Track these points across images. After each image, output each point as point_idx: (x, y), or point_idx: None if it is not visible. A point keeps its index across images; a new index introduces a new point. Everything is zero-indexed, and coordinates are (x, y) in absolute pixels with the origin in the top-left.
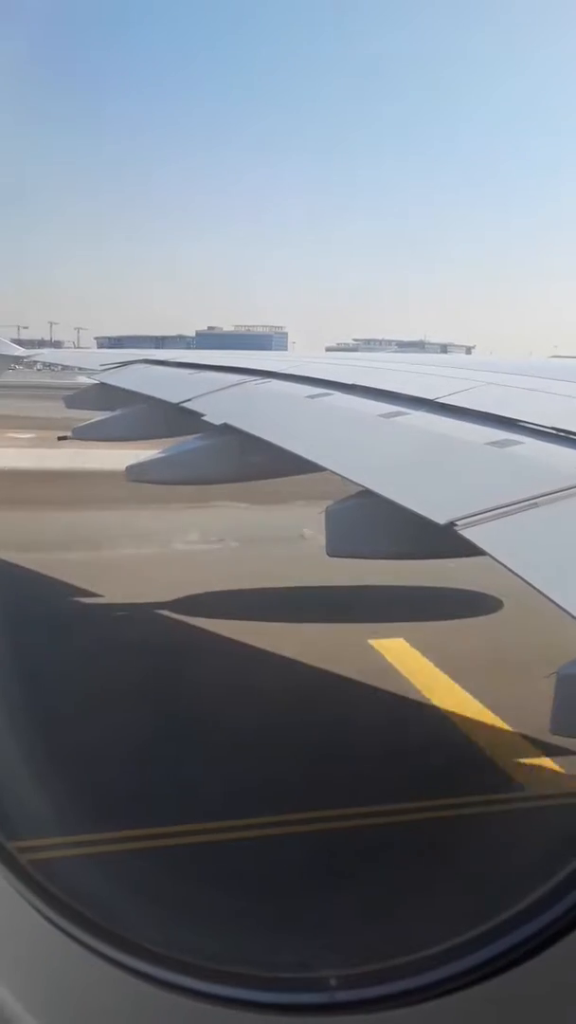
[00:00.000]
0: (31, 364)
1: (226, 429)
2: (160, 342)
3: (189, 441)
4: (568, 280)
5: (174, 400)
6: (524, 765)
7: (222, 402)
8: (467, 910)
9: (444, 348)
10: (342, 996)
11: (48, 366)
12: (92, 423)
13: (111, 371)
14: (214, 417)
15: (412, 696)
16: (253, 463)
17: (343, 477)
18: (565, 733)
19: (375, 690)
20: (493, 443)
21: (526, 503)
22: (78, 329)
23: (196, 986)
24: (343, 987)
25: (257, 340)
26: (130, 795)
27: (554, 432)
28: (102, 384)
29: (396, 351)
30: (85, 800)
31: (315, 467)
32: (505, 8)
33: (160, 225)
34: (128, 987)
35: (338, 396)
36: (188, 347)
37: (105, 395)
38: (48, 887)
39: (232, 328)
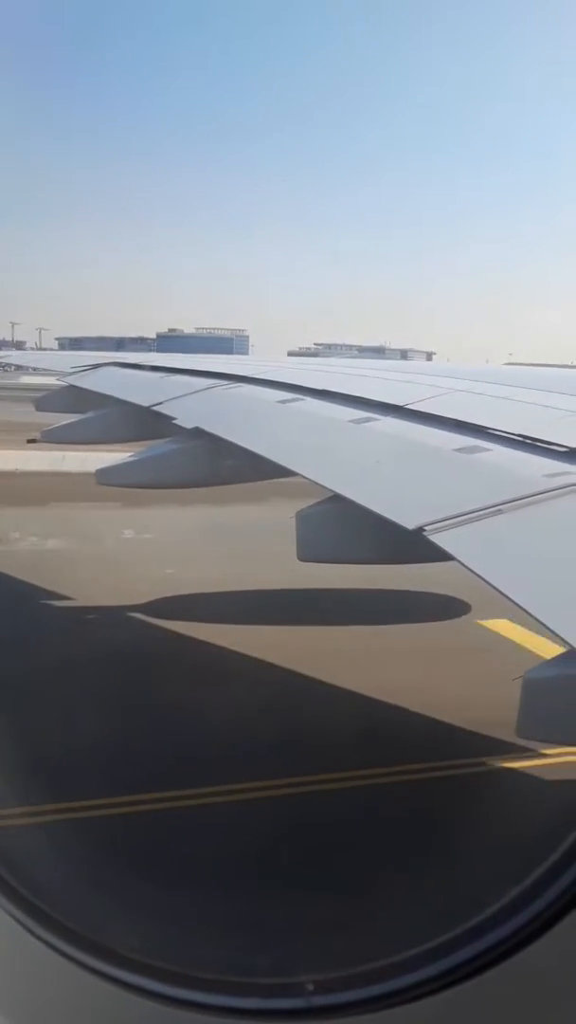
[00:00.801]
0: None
1: (197, 433)
2: (120, 344)
3: (160, 445)
4: (523, 291)
5: (145, 403)
6: None
7: (194, 406)
8: None
9: (404, 354)
10: (319, 1001)
11: (2, 367)
12: (62, 426)
13: (81, 373)
14: (186, 421)
15: None
16: (224, 467)
17: (314, 482)
18: (531, 736)
19: None
20: (461, 449)
21: (492, 509)
22: (40, 330)
23: (174, 993)
24: (319, 992)
25: (219, 343)
26: None
27: (520, 439)
28: (72, 387)
29: (357, 356)
30: None
31: (286, 472)
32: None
33: (122, 227)
34: (96, 991)
35: (309, 401)
36: (149, 349)
37: (75, 398)
38: (20, 891)
39: (194, 331)
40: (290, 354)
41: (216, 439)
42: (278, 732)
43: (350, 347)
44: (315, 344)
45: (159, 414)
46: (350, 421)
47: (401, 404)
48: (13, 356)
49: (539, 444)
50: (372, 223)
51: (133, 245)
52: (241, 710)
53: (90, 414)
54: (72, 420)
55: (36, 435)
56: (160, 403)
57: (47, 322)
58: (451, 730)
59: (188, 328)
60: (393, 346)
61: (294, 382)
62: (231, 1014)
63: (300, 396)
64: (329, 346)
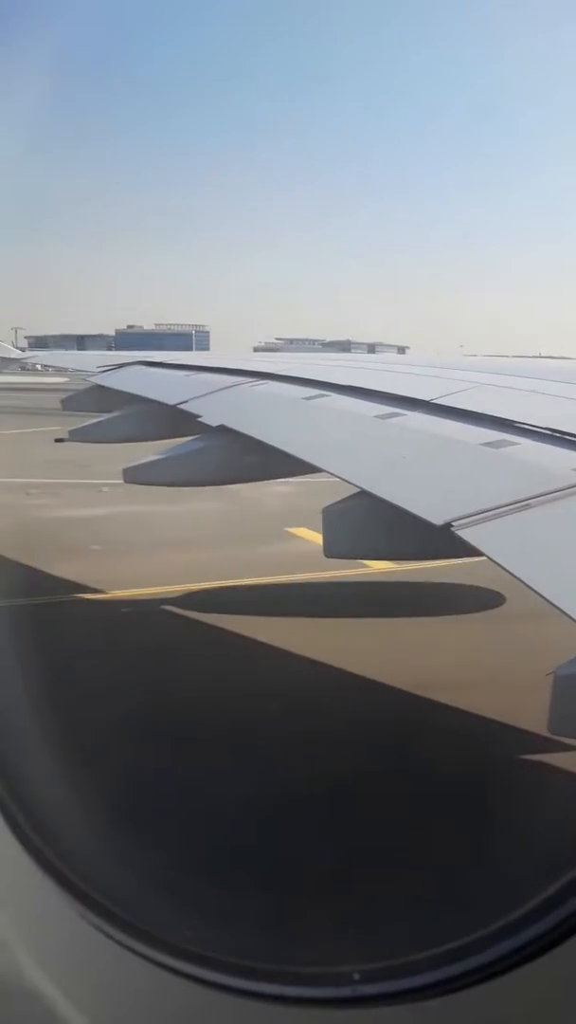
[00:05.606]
0: (30, 366)
1: (223, 431)
2: (82, 341)
3: (186, 443)
4: (479, 280)
5: (171, 402)
6: None
7: (218, 404)
8: None
9: (372, 348)
10: (364, 990)
11: (45, 367)
12: (89, 425)
13: (107, 373)
14: (211, 419)
15: None
16: (249, 464)
17: (340, 478)
18: (562, 733)
19: None
20: (489, 444)
21: (520, 504)
22: (15, 329)
23: (217, 979)
24: (364, 981)
25: (179, 339)
26: None
27: (549, 433)
28: (98, 386)
29: (321, 350)
30: None
31: (312, 468)
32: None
33: (76, 221)
34: (148, 976)
35: (334, 397)
36: (109, 346)
37: (102, 397)
38: (71, 878)
39: (153, 326)
40: (255, 349)
41: (241, 436)
42: None
43: (314, 342)
44: (277, 339)
45: (184, 412)
46: (376, 416)
47: (428, 399)
48: (40, 356)
49: (567, 437)
50: (329, 216)
51: (88, 241)
52: None
53: (116, 413)
54: (99, 419)
55: (64, 434)
56: (185, 401)
57: (20, 321)
58: None
59: (147, 324)
60: (360, 340)
61: (319, 378)
62: (277, 1001)
63: (325, 392)
64: (292, 341)
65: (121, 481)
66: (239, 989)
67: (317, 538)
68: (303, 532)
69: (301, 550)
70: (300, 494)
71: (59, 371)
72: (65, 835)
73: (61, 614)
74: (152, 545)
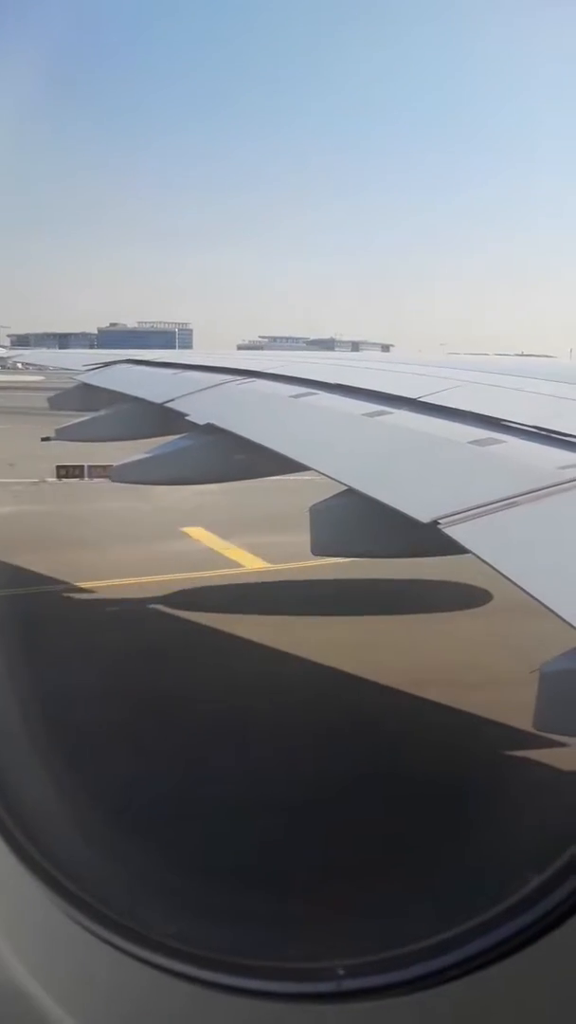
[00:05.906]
0: (11, 364)
1: (210, 429)
2: (64, 340)
3: (173, 441)
4: (458, 281)
5: (158, 400)
6: None
7: (206, 402)
8: None
9: (356, 346)
10: (348, 984)
11: (27, 366)
12: (76, 424)
13: (94, 371)
14: (198, 417)
15: None
16: (237, 463)
17: (327, 476)
18: (548, 730)
19: None
20: (476, 441)
21: (507, 502)
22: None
23: (205, 976)
24: (349, 976)
25: (162, 337)
26: None
27: (535, 431)
28: (85, 384)
29: (305, 348)
30: None
31: (299, 466)
32: None
33: (59, 220)
34: (136, 975)
35: (321, 395)
36: (91, 345)
37: (88, 396)
38: (60, 879)
39: (136, 324)
40: (239, 347)
41: (229, 435)
42: None
43: (297, 340)
44: (261, 337)
45: (172, 410)
46: (363, 415)
47: (414, 397)
48: (26, 355)
49: (554, 435)
50: (313, 215)
51: (71, 239)
52: None
53: (103, 412)
54: (86, 418)
55: (50, 433)
56: (172, 399)
57: (1, 319)
58: None
59: (129, 322)
60: (344, 338)
61: (306, 376)
62: (264, 997)
63: (313, 390)
64: (275, 339)
65: (37, 480)
66: (229, 986)
67: (208, 538)
68: (196, 532)
69: (186, 549)
70: (229, 491)
71: (39, 369)
72: (52, 835)
73: None
74: (29, 545)
